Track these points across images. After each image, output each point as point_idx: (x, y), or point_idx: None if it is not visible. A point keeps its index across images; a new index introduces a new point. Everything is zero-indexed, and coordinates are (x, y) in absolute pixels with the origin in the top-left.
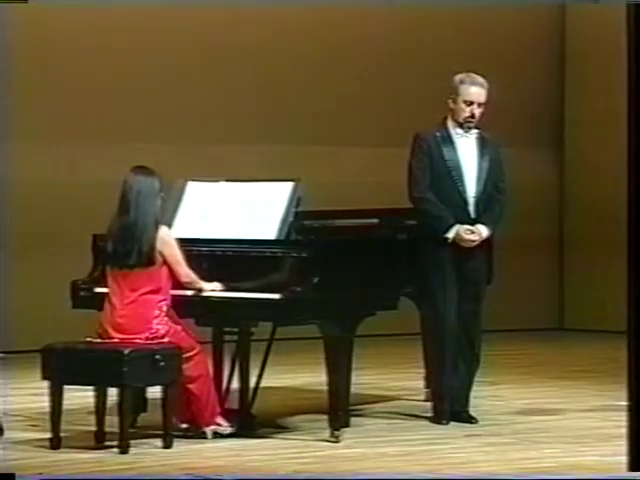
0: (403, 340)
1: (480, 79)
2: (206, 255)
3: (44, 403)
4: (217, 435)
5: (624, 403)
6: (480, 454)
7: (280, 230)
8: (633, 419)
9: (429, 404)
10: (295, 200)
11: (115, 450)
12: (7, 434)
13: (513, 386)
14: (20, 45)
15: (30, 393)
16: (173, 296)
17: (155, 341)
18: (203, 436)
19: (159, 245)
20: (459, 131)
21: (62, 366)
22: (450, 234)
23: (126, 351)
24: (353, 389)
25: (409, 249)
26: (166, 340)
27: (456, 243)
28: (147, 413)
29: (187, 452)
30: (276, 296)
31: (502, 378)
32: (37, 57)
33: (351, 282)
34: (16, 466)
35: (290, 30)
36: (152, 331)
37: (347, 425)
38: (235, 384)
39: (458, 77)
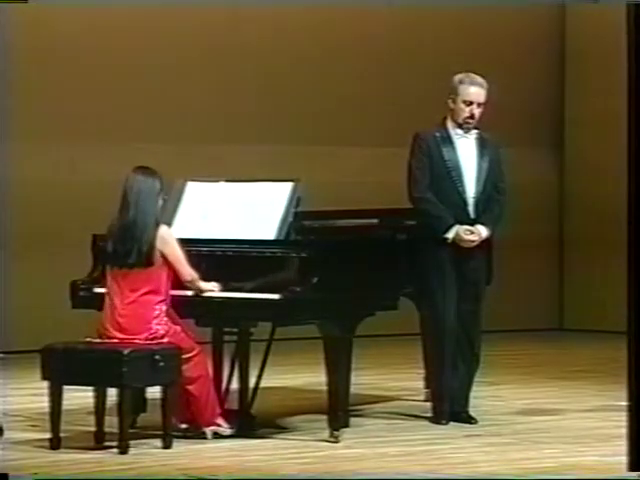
0: (403, 340)
1: (479, 79)
2: (205, 255)
3: (44, 403)
4: (217, 435)
5: (624, 403)
6: (480, 454)
7: (280, 230)
8: (633, 419)
9: (429, 404)
10: (295, 200)
11: (115, 450)
12: (7, 434)
13: (513, 386)
14: (20, 45)
15: (30, 393)
16: (173, 296)
17: (155, 341)
18: (203, 436)
19: (159, 244)
20: (459, 131)
21: (62, 366)
22: (450, 234)
23: (126, 351)
24: (353, 389)
25: (409, 249)
26: (166, 340)
27: (456, 243)
28: (147, 413)
29: (187, 452)
30: (276, 296)
31: (502, 378)
32: (37, 57)
33: (351, 282)
34: (15, 466)
35: (290, 30)
36: (152, 331)
37: (347, 425)
38: (235, 384)
39: (457, 77)
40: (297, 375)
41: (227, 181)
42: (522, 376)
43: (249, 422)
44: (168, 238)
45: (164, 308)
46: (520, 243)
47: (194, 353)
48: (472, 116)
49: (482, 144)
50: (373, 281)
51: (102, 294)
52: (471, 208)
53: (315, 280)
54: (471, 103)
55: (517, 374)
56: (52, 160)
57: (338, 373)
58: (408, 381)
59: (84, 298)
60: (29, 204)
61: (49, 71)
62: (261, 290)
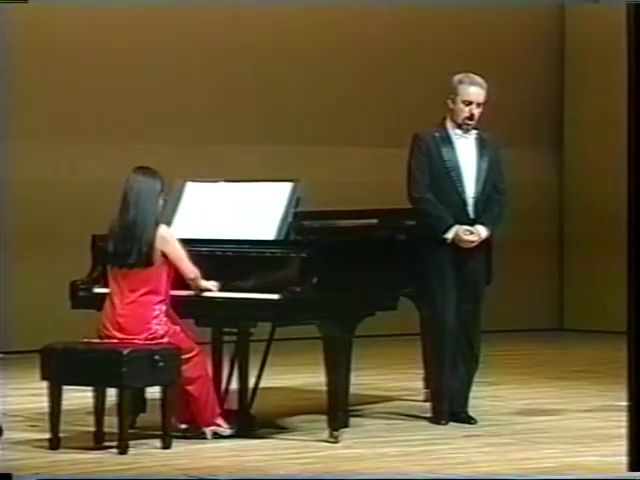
0: (402, 340)
1: (479, 79)
2: (205, 255)
3: (43, 403)
4: (216, 436)
5: (624, 403)
6: (479, 454)
7: (279, 230)
8: (633, 419)
9: (428, 404)
10: (294, 200)
11: (114, 451)
12: (6, 434)
13: (513, 386)
14: (20, 45)
15: (29, 393)
16: (173, 296)
17: (154, 341)
18: (202, 437)
19: (159, 244)
20: (458, 131)
21: (61, 366)
22: (449, 234)
23: (125, 351)
24: (352, 389)
25: (408, 249)
26: (165, 340)
27: (455, 243)
28: (146, 414)
29: (186, 453)
30: (275, 296)
31: (502, 378)
32: (37, 57)
33: (350, 282)
34: (15, 466)
35: (290, 30)
36: (151, 331)
37: (346, 425)
38: (234, 384)
39: (457, 77)
40: (297, 375)
41: (226, 181)
42: (522, 376)
43: (249, 422)
44: (168, 237)
45: (164, 308)
46: (520, 243)
47: (194, 353)
48: (471, 116)
49: (481, 144)
50: (373, 281)
51: (102, 294)
52: (470, 208)
53: (315, 280)
54: (470, 103)
55: (517, 374)
56: (52, 160)
57: (338, 373)
58: (408, 381)
59: (84, 298)
60: (29, 204)
61: (49, 71)
62: (261, 290)
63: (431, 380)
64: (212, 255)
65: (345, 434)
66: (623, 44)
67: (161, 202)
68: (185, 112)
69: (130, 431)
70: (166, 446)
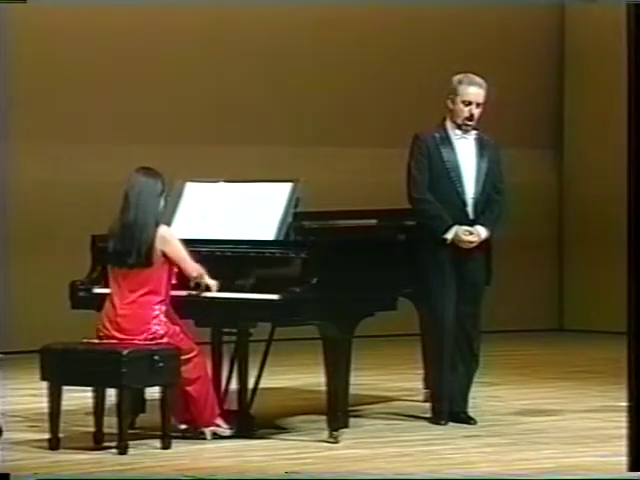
0: (402, 341)
1: (478, 79)
2: (205, 256)
3: (43, 404)
4: (216, 436)
5: (624, 404)
6: (479, 455)
7: (279, 231)
8: (633, 420)
9: (428, 405)
10: (294, 201)
11: (114, 451)
12: (6, 434)
13: (512, 387)
14: (19, 45)
15: (29, 394)
16: (172, 296)
17: (154, 342)
18: (202, 437)
19: (160, 244)
20: (458, 132)
21: (61, 367)
22: (449, 235)
23: (125, 352)
24: (352, 390)
25: (408, 250)
26: (165, 341)
27: (455, 244)
28: (146, 414)
29: (186, 453)
30: (275, 297)
31: (501, 379)
32: (37, 57)
33: (350, 283)
34: (14, 467)
35: (290, 30)
36: (151, 332)
37: (346, 426)
38: (234, 385)
39: (456, 78)
40: (296, 375)
41: (226, 181)
42: (521, 376)
43: (248, 423)
44: (169, 237)
45: (163, 309)
46: (520, 243)
47: (193, 354)
48: (471, 116)
49: (481, 145)
50: (372, 282)
51: (101, 294)
52: (470, 209)
53: (314, 281)
54: (470, 103)
55: (516, 374)
56: (52, 160)
57: (337, 374)
58: (407, 382)
59: (83, 298)
60: (29, 204)
61: (49, 71)
62: (260, 290)
63: (431, 380)
64: (212, 255)
65: (345, 434)
66: (623, 44)
67: (162, 202)
68: (185, 112)
69: (130, 431)
70: (166, 446)
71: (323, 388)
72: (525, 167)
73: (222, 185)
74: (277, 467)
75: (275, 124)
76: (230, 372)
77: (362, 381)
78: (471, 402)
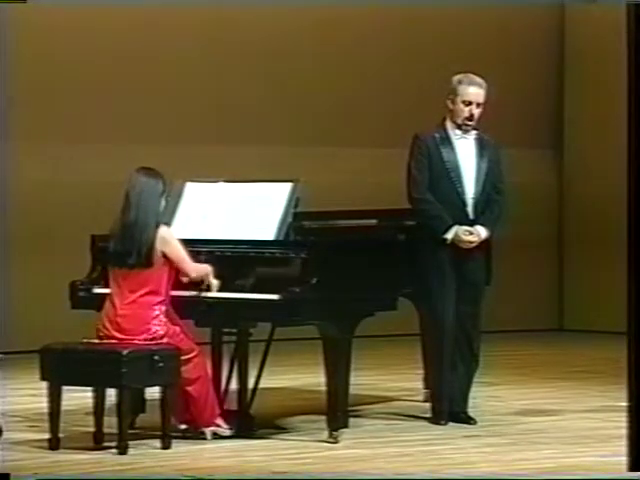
0: (402, 341)
1: (478, 79)
2: (205, 256)
3: (43, 404)
4: (216, 436)
5: (624, 404)
6: (479, 455)
7: (279, 231)
8: (633, 420)
9: (428, 405)
10: (294, 201)
11: (114, 451)
12: (6, 434)
13: (512, 387)
14: (19, 45)
15: (29, 394)
16: (172, 297)
17: (154, 342)
18: (202, 437)
19: (160, 245)
20: (458, 132)
21: (61, 367)
22: (449, 235)
23: (125, 352)
24: (352, 390)
25: (408, 250)
26: (165, 341)
27: (455, 244)
28: (146, 414)
29: (186, 453)
30: (275, 297)
31: (501, 379)
32: (37, 57)
33: (350, 283)
34: (14, 467)
35: (290, 30)
36: (151, 332)
37: (346, 426)
38: (234, 385)
39: (456, 78)
40: (296, 376)
41: (226, 181)
42: (521, 376)
43: (248, 423)
44: (169, 238)
45: (163, 309)
46: (520, 243)
47: (193, 354)
48: (471, 116)
49: (481, 145)
50: (372, 282)
51: (101, 294)
52: (470, 209)
53: (314, 281)
54: (470, 103)
55: (516, 374)
56: (52, 160)
57: (337, 374)
58: (407, 382)
59: (83, 298)
60: (29, 204)
61: (49, 71)
62: (260, 290)
63: (431, 380)
64: (212, 255)
65: (345, 434)
66: (623, 44)
67: (163, 203)
68: (185, 112)
69: (130, 431)
70: (166, 446)
71: (323, 388)
72: (525, 167)
73: (222, 185)
74: (277, 467)
75: (275, 124)
76: (230, 372)
77: (362, 381)
78: (471, 402)
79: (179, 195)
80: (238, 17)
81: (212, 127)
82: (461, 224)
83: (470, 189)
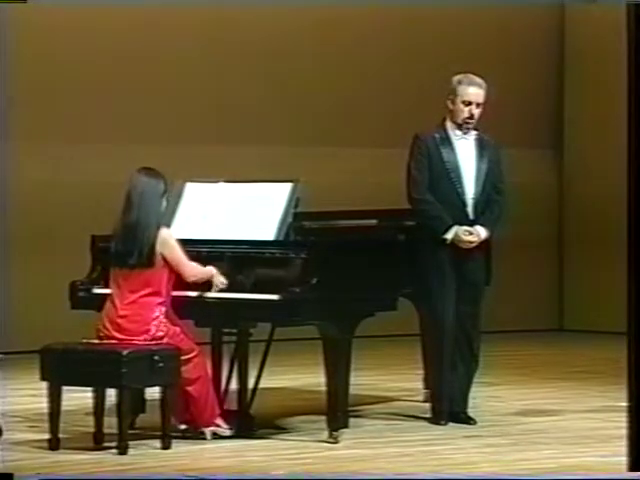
0: (402, 341)
1: (478, 79)
2: (205, 256)
3: (43, 404)
4: (216, 436)
5: (624, 404)
6: (479, 455)
7: (279, 231)
8: (633, 420)
9: (428, 405)
10: (294, 201)
11: (114, 451)
12: (6, 435)
13: (512, 387)
14: (20, 45)
15: (29, 394)
16: (172, 297)
17: (154, 342)
18: (202, 437)
19: (160, 247)
20: (458, 132)
21: (61, 367)
22: (449, 235)
23: (125, 352)
24: (352, 390)
25: (408, 250)
26: (165, 341)
27: (455, 244)
28: (146, 414)
29: (186, 453)
30: (275, 297)
31: (501, 379)
32: (37, 57)
33: (350, 283)
34: (15, 467)
35: (290, 30)
36: (150, 333)
37: (346, 426)
38: (234, 385)
39: (456, 78)
40: (296, 376)
41: (226, 182)
42: (521, 377)
43: (248, 423)
44: (169, 240)
45: (164, 310)
46: (520, 244)
47: (194, 354)
48: (471, 116)
49: (481, 145)
50: (372, 282)
51: (101, 295)
52: (470, 209)
53: (314, 281)
54: (470, 103)
55: (516, 375)
56: (52, 160)
57: (337, 374)
58: (407, 382)
59: (83, 299)
60: (29, 204)
61: (49, 71)
62: (260, 291)
63: (431, 380)
64: (212, 255)
65: (345, 434)
66: (623, 44)
67: (164, 203)
68: (185, 112)
69: (130, 432)
70: (166, 446)
71: (323, 388)
72: (525, 167)
73: (222, 185)
74: (277, 467)
75: (275, 124)
76: (230, 372)
77: (362, 381)
78: (471, 402)
79: (179, 195)
80: (238, 17)
81: (212, 127)
82: (461, 224)
83: (470, 189)
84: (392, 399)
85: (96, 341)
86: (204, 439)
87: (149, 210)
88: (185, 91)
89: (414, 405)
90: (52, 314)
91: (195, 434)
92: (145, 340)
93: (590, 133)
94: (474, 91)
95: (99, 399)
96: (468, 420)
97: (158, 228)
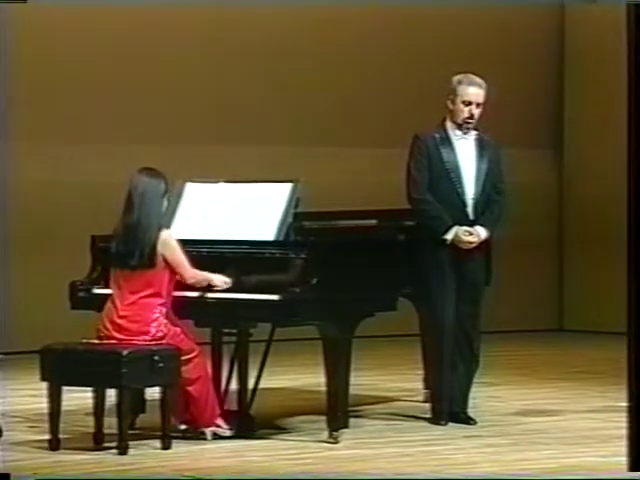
0: (402, 341)
1: (478, 79)
2: (205, 256)
3: (43, 404)
4: (216, 436)
5: (624, 404)
6: (479, 455)
7: (279, 231)
8: (633, 420)
9: (428, 405)
10: (294, 201)
11: (114, 451)
12: (6, 435)
13: (512, 387)
14: (20, 45)
15: (29, 394)
16: (172, 297)
17: (153, 342)
18: (202, 437)
19: (161, 248)
20: (458, 132)
21: (61, 367)
22: (448, 235)
23: (125, 352)
24: (352, 390)
25: (408, 250)
26: (165, 342)
27: (455, 244)
28: (146, 414)
29: (186, 453)
30: (275, 297)
31: (501, 379)
32: (37, 57)
33: (350, 283)
34: (14, 467)
35: (290, 30)
36: (150, 334)
37: (346, 426)
38: (234, 385)
39: (456, 78)
40: (296, 376)
41: (226, 182)
42: (521, 377)
43: (248, 423)
44: (170, 242)
45: (164, 311)
46: (520, 244)
47: (194, 354)
48: (471, 116)
49: (481, 145)
50: (372, 282)
51: (101, 295)
52: (470, 209)
53: (314, 281)
54: (470, 103)
55: (516, 375)
56: (52, 160)
57: (337, 374)
58: (407, 382)
59: (83, 299)
60: (29, 204)
61: (49, 71)
62: (260, 291)
63: (431, 381)
64: (212, 256)
65: (345, 435)
66: (623, 44)
67: (165, 203)
68: (185, 112)
69: (130, 432)
70: (166, 447)
71: (323, 388)
72: (525, 167)
73: (222, 185)
74: (277, 467)
75: (275, 124)
76: (230, 372)
77: (362, 381)
78: (471, 402)
79: (179, 195)
80: (238, 17)
81: (212, 127)
82: (461, 224)
83: (470, 189)
84: (392, 399)
85: (96, 341)
86: (204, 439)
87: (150, 211)
88: (185, 91)
89: (414, 405)
90: (52, 314)
91: (195, 434)
92: (145, 341)
93: (590, 133)
94: (474, 91)
95: (99, 399)
96: (468, 420)
97: (159, 229)
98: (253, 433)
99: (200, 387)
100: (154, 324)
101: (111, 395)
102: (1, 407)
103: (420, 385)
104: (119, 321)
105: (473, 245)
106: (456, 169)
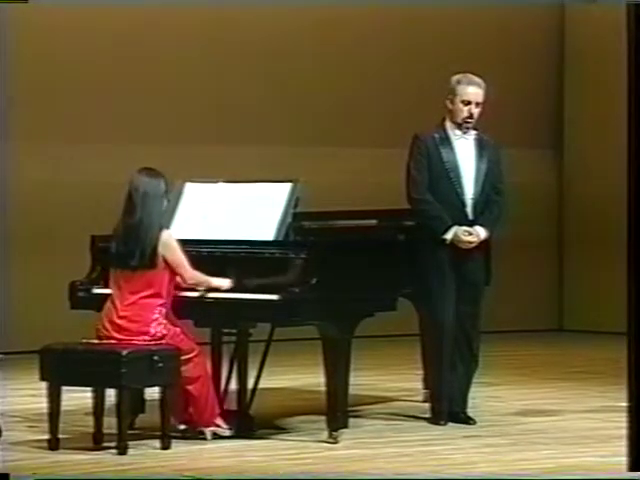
0: (401, 341)
1: (477, 79)
2: (204, 256)
3: (42, 404)
4: (216, 436)
5: (624, 404)
6: (479, 455)
7: (278, 231)
8: (633, 420)
9: (427, 405)
10: (294, 201)
11: (113, 451)
12: (5, 435)
13: (512, 387)
14: (20, 45)
15: (28, 394)
16: (172, 297)
17: (153, 343)
18: (201, 437)
19: (161, 249)
20: (457, 132)
21: (60, 367)
22: (448, 235)
23: (124, 352)
24: (351, 390)
25: (408, 250)
26: (164, 342)
27: (454, 244)
28: (145, 414)
29: (185, 453)
30: (274, 297)
31: (501, 379)
32: (37, 57)
33: (350, 283)
34: (14, 467)
35: (290, 30)
36: (150, 334)
37: (345, 426)
38: (234, 385)
39: (455, 77)
40: (296, 376)
41: (226, 182)
42: (521, 377)
43: (248, 423)
44: (170, 242)
45: (164, 311)
46: (520, 244)
47: (194, 354)
48: (471, 116)
49: (481, 145)
50: (372, 282)
51: (101, 295)
52: (469, 209)
53: (314, 281)
54: (469, 103)
55: (516, 375)
56: (52, 160)
57: (337, 374)
58: (407, 382)
59: (83, 299)
60: (29, 204)
61: (49, 71)
62: (260, 291)
63: (430, 381)
64: (211, 256)
65: (344, 435)
66: (623, 44)
67: (165, 203)
68: (185, 112)
69: (129, 432)
70: (165, 447)
71: (323, 388)
72: (525, 167)
73: (222, 185)
74: (277, 467)
75: (275, 124)
76: (230, 372)
77: (362, 381)
78: (471, 402)
79: (179, 195)
80: (238, 17)
81: (212, 127)
82: (460, 224)
83: (469, 189)
84: (391, 399)
85: (96, 341)
86: (204, 439)
87: (151, 211)
88: (185, 91)
89: (414, 405)
90: (52, 314)
91: (195, 434)
92: (145, 341)
93: (590, 133)
94: (473, 90)
95: (99, 399)
96: (467, 420)
97: (160, 229)
98: (253, 433)
99: (200, 387)
100: (154, 324)
101: (111, 395)
102: (1, 407)
103: (419, 385)
104: (119, 321)
105: (473, 245)
106: (455, 169)
